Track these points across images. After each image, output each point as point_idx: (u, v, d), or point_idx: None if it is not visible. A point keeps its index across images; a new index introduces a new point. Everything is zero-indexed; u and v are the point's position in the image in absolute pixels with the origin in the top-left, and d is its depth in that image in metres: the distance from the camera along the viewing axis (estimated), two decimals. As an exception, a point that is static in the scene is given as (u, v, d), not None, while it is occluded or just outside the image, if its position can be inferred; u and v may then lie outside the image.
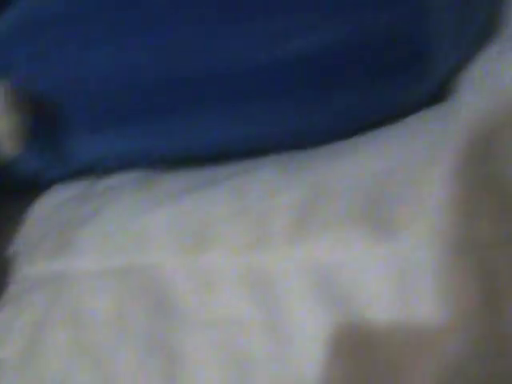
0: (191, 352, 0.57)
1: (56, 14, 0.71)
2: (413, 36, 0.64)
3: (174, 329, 0.58)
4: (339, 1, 0.63)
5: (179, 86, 0.66)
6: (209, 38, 0.64)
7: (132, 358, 0.58)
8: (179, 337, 0.58)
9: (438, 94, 0.68)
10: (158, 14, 0.66)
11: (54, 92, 0.70)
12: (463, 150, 0.58)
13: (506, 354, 0.50)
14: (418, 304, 0.53)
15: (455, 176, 0.57)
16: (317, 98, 0.66)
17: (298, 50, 0.63)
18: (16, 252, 0.73)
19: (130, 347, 0.59)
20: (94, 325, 0.61)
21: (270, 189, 0.65)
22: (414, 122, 0.67)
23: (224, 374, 0.55)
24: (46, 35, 0.71)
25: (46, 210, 0.77)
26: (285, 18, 0.63)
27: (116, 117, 0.69)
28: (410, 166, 0.62)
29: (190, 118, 0.68)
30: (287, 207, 0.62)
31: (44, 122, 0.70)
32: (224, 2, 0.65)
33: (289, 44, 0.63)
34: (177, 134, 0.70)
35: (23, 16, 0.72)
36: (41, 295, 0.65)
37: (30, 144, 0.69)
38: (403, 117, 0.68)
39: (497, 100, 0.60)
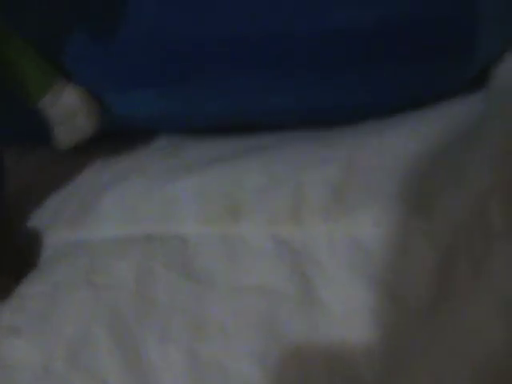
0: (216, 319, 0.54)
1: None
2: (460, 19, 0.63)
3: (199, 294, 0.56)
4: None
5: (218, 48, 0.64)
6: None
7: (153, 324, 0.55)
8: (204, 303, 0.56)
9: (477, 79, 0.66)
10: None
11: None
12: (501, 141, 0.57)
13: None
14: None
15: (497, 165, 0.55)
16: (355, 72, 0.65)
17: (347, 23, 0.62)
18: (36, 221, 0.71)
19: (151, 313, 0.56)
20: (114, 287, 0.58)
21: (302, 163, 0.63)
22: (451, 107, 0.66)
23: (251, 342, 0.53)
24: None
25: (66, 176, 0.74)
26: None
27: (150, 76, 0.68)
28: (443, 149, 0.61)
29: (225, 83, 0.66)
30: (321, 183, 0.60)
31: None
32: None
33: (338, 15, 0.62)
34: (209, 98, 0.68)
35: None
36: (61, 263, 0.63)
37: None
38: (441, 100, 0.67)
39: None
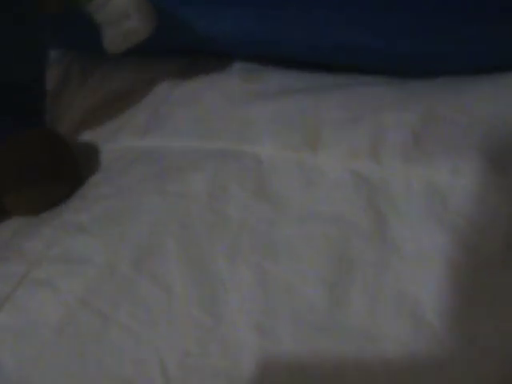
0: (288, 242, 0.54)
1: None
2: None
3: (272, 216, 0.56)
4: None
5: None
6: None
7: (223, 240, 0.55)
8: (276, 225, 0.55)
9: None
10: None
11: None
12: None
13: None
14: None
15: None
16: (444, 20, 0.64)
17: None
18: (103, 126, 0.71)
19: (222, 228, 0.56)
20: (186, 197, 0.58)
21: (381, 105, 0.63)
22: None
23: (320, 267, 0.53)
24: None
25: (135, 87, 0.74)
26: None
27: None
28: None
29: (317, 12, 0.66)
30: (400, 126, 0.60)
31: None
32: None
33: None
34: (289, 25, 0.68)
35: None
36: (129, 168, 0.63)
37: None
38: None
39: None
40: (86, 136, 0.71)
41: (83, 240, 0.57)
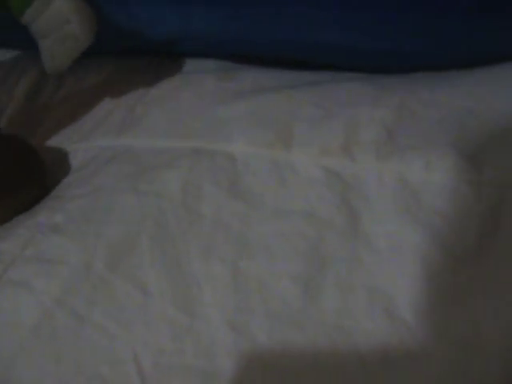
0: (261, 239, 0.55)
1: None
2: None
3: (246, 213, 0.56)
4: None
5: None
6: None
7: (197, 238, 0.56)
8: (250, 222, 0.56)
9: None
10: None
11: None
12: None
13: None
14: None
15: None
16: (417, 17, 0.65)
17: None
18: (78, 128, 0.71)
19: (196, 226, 0.56)
20: (160, 196, 0.58)
21: (354, 101, 0.64)
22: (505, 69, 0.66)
23: (294, 264, 0.53)
24: None
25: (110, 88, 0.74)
26: None
27: None
28: (495, 109, 0.61)
29: (288, 10, 0.66)
30: (372, 122, 0.60)
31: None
32: None
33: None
34: (264, 23, 0.68)
35: None
36: (103, 168, 0.63)
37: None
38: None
39: None
40: (62, 135, 0.71)
41: (58, 240, 0.56)
